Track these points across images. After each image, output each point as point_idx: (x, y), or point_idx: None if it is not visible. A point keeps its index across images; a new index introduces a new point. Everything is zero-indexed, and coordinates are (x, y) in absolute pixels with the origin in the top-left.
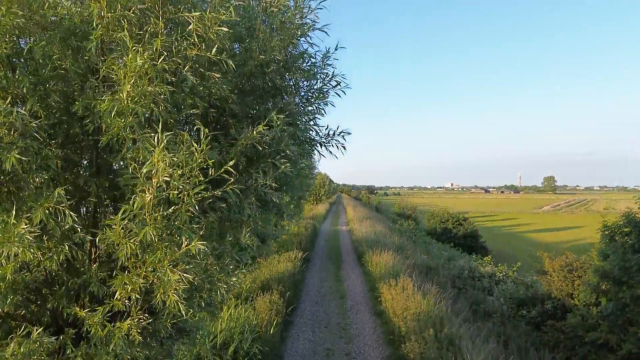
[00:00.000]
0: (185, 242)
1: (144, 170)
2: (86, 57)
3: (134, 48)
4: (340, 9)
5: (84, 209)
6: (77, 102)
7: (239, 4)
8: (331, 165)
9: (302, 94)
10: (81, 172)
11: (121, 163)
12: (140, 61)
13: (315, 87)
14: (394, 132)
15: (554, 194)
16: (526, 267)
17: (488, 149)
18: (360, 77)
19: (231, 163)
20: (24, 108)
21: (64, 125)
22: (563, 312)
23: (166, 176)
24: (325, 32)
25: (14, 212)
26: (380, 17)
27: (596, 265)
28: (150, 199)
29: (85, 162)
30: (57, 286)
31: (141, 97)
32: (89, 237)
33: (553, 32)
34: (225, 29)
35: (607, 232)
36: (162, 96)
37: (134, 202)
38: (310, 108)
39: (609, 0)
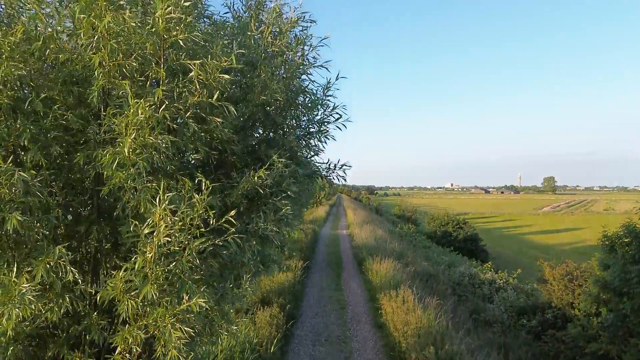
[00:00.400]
0: (186, 298)
1: (146, 231)
2: (87, 102)
3: (135, 101)
4: (340, 8)
5: (84, 251)
6: (78, 154)
7: (240, 52)
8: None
9: (303, 126)
10: (81, 218)
11: (122, 212)
12: (142, 116)
13: (316, 118)
14: (394, 132)
15: (554, 195)
16: (526, 270)
17: (488, 149)
18: (360, 77)
19: (232, 213)
20: (25, 157)
21: (64, 172)
22: (563, 321)
23: (167, 237)
24: (327, 69)
25: (14, 269)
26: (381, 16)
27: (596, 276)
28: (152, 255)
29: (86, 209)
30: (58, 333)
31: (142, 149)
32: (89, 290)
33: (553, 32)
34: (227, 77)
35: (607, 243)
36: (164, 145)
37: (135, 262)
38: (311, 141)
39: (609, 0)
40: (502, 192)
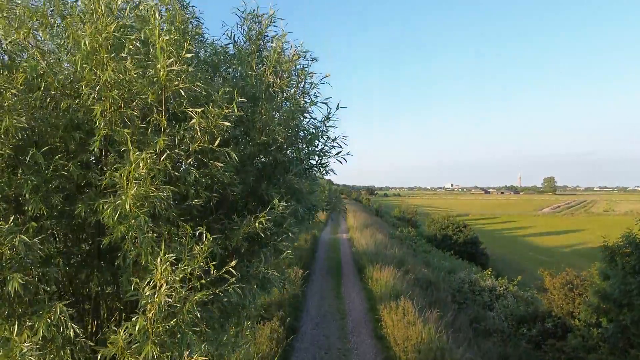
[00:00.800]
0: (186, 354)
1: (147, 293)
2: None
3: (136, 154)
4: (344, 8)
5: (85, 295)
6: (80, 205)
7: (241, 101)
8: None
9: (303, 159)
10: (82, 265)
11: (123, 262)
12: (143, 170)
13: (317, 149)
14: (395, 132)
15: (554, 195)
16: (526, 273)
17: (488, 149)
18: (360, 77)
19: (233, 264)
20: (27, 206)
21: (65, 219)
22: (564, 330)
23: (168, 296)
24: (326, 104)
25: (15, 327)
26: (380, 16)
27: (597, 286)
28: (153, 314)
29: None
30: None
31: (144, 201)
32: (90, 343)
33: (553, 32)
34: (228, 124)
35: (607, 253)
36: (165, 194)
37: (136, 322)
38: (312, 172)
39: (610, 0)
40: (502, 193)
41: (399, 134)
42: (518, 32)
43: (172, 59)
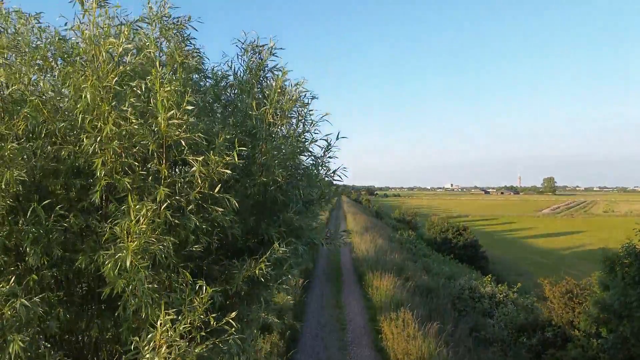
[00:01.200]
0: None
1: (147, 356)
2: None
3: (136, 206)
4: (348, 7)
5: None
6: (80, 256)
7: (242, 149)
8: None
9: (303, 194)
10: (82, 313)
11: (123, 312)
12: (144, 225)
13: (317, 181)
14: (395, 132)
15: (554, 195)
16: (527, 277)
17: (488, 149)
18: (361, 78)
19: (233, 315)
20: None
21: (65, 268)
22: (563, 340)
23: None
24: (326, 140)
25: None
26: (380, 15)
27: (597, 297)
28: None
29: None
30: None
31: (144, 254)
32: None
33: (554, 32)
34: (229, 171)
35: (607, 263)
36: (165, 244)
37: None
38: (312, 208)
39: (610, 0)
40: (502, 193)
41: (400, 134)
42: (518, 32)
43: (172, 111)
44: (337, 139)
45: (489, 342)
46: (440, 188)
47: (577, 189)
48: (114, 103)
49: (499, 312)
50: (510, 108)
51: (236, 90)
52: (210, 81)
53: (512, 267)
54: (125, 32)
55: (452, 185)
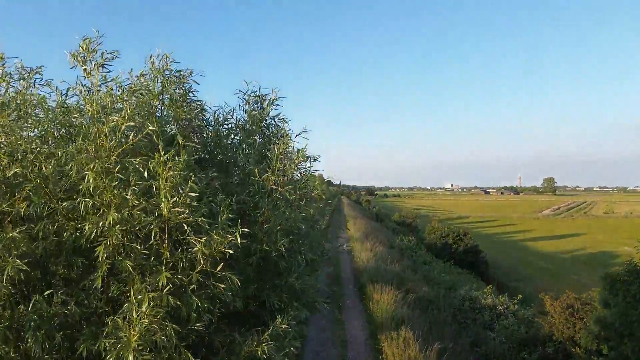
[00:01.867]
0: None
1: None
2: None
3: (137, 300)
4: (349, 8)
5: None
6: (82, 345)
7: (244, 230)
8: (331, 167)
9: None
10: None
11: None
12: (146, 320)
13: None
14: (395, 132)
15: (554, 195)
16: (527, 281)
17: (488, 149)
18: (361, 78)
19: None
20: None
21: (65, 353)
22: (564, 356)
23: None
24: (330, 202)
25: None
26: (380, 15)
27: (597, 315)
28: None
29: None
30: None
31: (146, 345)
32: None
33: (554, 32)
34: (231, 251)
35: (607, 281)
36: (167, 330)
37: None
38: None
39: (610, 0)
40: (502, 193)
41: (400, 133)
42: (518, 32)
43: (175, 198)
44: (340, 184)
45: (489, 358)
46: (441, 188)
47: (577, 189)
48: (116, 190)
49: (500, 324)
50: (511, 108)
51: (238, 140)
52: (211, 127)
53: (512, 271)
54: (128, 109)
55: (452, 185)
